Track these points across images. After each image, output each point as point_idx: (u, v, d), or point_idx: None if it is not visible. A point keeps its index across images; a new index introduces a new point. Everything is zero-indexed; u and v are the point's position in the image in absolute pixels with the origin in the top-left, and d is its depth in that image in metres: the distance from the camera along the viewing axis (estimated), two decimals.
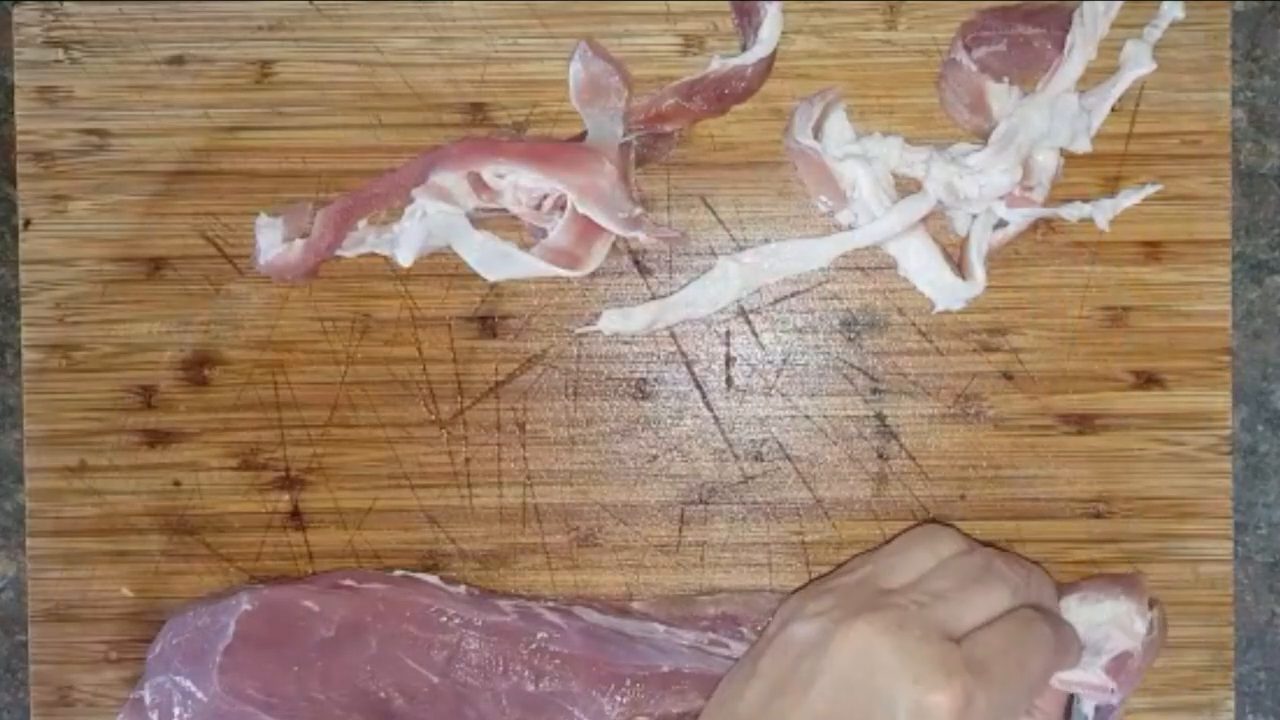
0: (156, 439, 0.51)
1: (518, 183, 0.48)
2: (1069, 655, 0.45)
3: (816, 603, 0.44)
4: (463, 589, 0.49)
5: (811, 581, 0.48)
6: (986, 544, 0.47)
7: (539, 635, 0.48)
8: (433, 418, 0.51)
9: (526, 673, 0.48)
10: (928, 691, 0.40)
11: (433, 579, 0.49)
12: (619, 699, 0.47)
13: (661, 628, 0.49)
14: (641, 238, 0.49)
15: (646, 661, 0.48)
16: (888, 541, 0.48)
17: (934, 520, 0.50)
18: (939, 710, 0.40)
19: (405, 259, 0.49)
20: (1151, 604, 0.47)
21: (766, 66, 0.49)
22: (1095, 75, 0.49)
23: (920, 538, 0.46)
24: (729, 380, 0.51)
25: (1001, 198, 0.48)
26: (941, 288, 0.49)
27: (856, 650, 0.41)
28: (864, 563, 0.46)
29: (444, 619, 0.48)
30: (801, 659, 0.42)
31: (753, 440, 0.51)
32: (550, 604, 0.50)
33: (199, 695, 0.47)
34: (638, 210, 0.48)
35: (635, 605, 0.50)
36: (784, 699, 0.42)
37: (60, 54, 0.50)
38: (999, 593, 0.44)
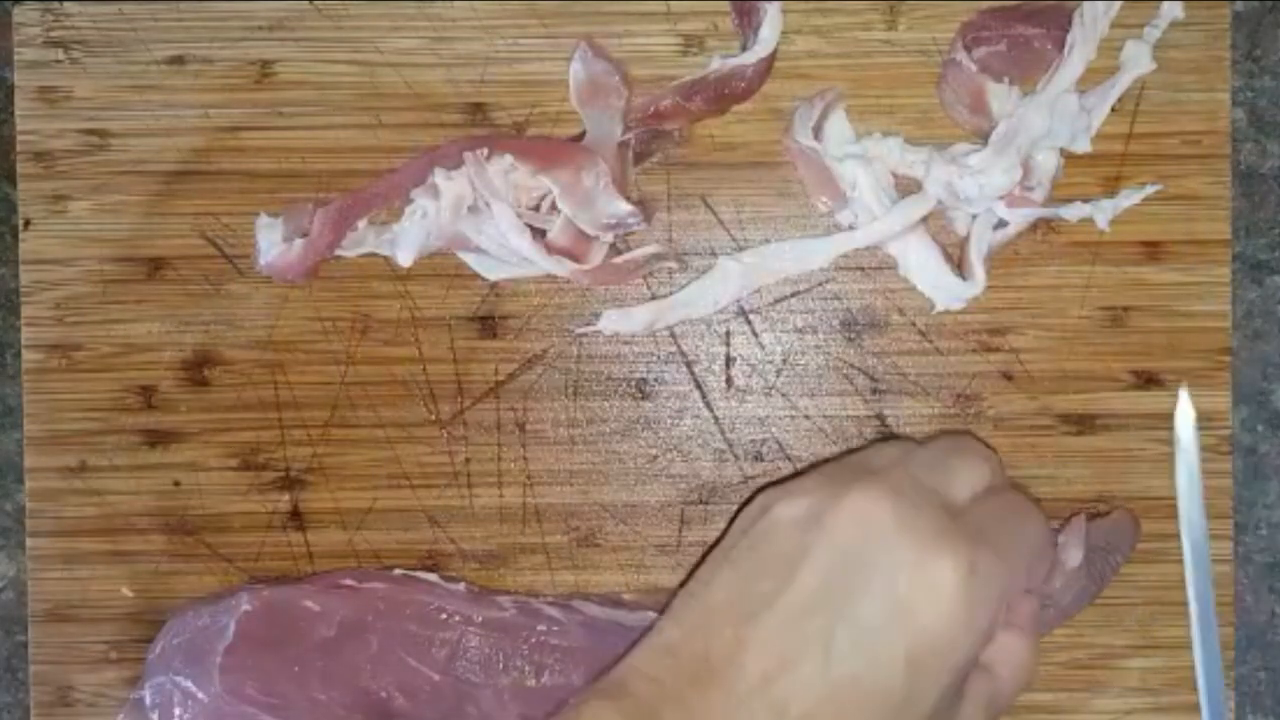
0: (156, 439, 0.51)
1: (518, 182, 0.48)
2: (1051, 544, 0.45)
3: (799, 485, 0.42)
4: (462, 586, 0.49)
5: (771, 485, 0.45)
6: None
7: (539, 629, 0.48)
8: (433, 418, 0.51)
9: (527, 668, 0.48)
10: (932, 557, 0.39)
11: (432, 577, 0.49)
12: None
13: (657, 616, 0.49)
14: (615, 238, 0.49)
15: None
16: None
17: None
18: (943, 575, 0.38)
19: (405, 259, 0.49)
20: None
21: (766, 66, 0.49)
22: (1095, 75, 0.49)
23: (884, 441, 0.45)
24: (729, 380, 0.51)
25: (1001, 198, 0.48)
26: (941, 288, 0.49)
27: (852, 519, 0.39)
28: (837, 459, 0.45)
29: (444, 616, 0.48)
30: (788, 539, 0.40)
31: (753, 440, 0.51)
32: (549, 598, 0.50)
33: (199, 695, 0.47)
34: (629, 210, 0.48)
35: (626, 596, 0.50)
36: (764, 581, 0.40)
37: (60, 54, 0.50)
38: (980, 465, 0.43)
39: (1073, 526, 0.47)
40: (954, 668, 0.39)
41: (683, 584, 0.43)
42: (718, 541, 0.44)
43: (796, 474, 0.47)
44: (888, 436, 0.50)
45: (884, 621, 0.38)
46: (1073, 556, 0.46)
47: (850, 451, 0.49)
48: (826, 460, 0.49)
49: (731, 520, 0.44)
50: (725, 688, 0.38)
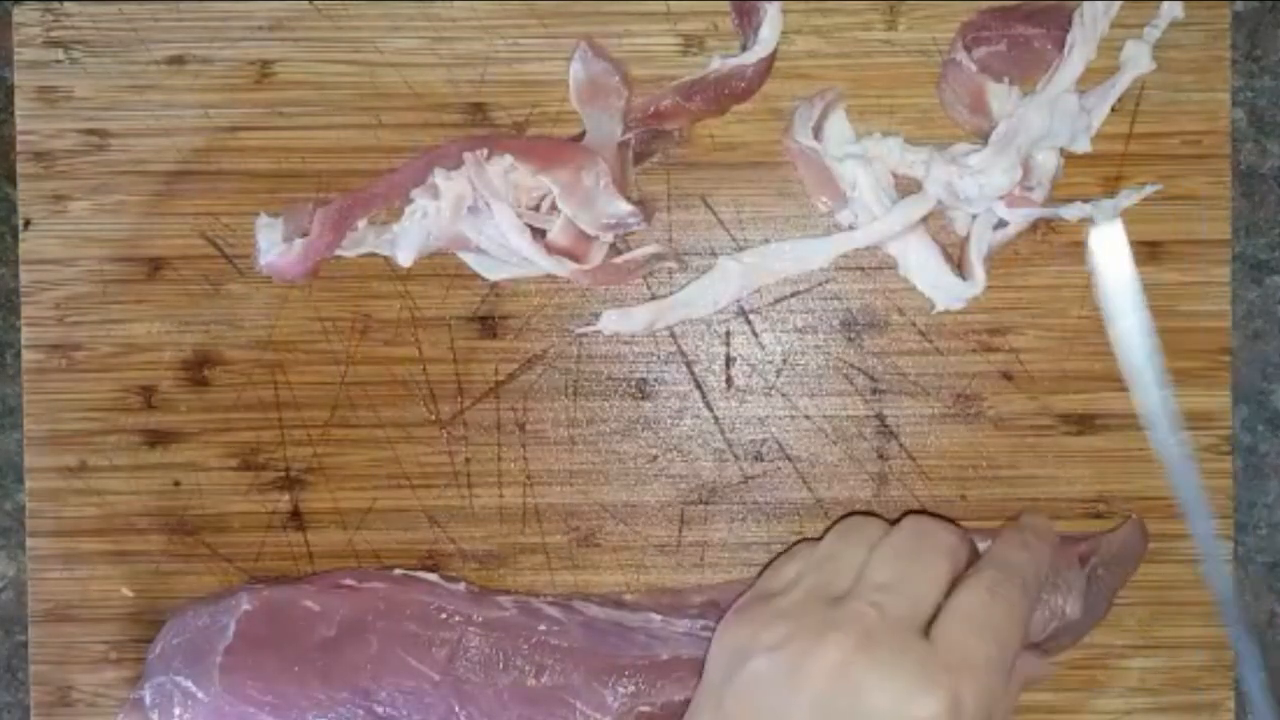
0: (156, 439, 0.51)
1: (518, 182, 0.48)
2: (1032, 599, 0.44)
3: (770, 632, 0.42)
4: (462, 586, 0.49)
5: (740, 600, 0.46)
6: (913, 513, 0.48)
7: (539, 629, 0.48)
8: (433, 418, 0.51)
9: (528, 667, 0.48)
10: (916, 703, 0.39)
11: (432, 577, 0.49)
12: (620, 689, 0.47)
13: (658, 617, 0.49)
14: (615, 238, 0.49)
15: (646, 651, 0.48)
16: (806, 540, 0.47)
17: (855, 513, 0.50)
18: (929, 715, 0.39)
19: (405, 259, 0.49)
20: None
21: (766, 66, 0.49)
22: (1095, 75, 0.49)
23: (846, 534, 0.45)
24: (729, 380, 0.51)
25: (1001, 198, 0.48)
26: (941, 288, 0.49)
27: (831, 675, 0.40)
28: (800, 572, 0.45)
29: (444, 616, 0.48)
30: (770, 695, 0.41)
31: (753, 440, 0.51)
32: (549, 598, 0.50)
33: (199, 695, 0.47)
34: (629, 210, 0.48)
35: (627, 597, 0.50)
36: None
37: (60, 54, 0.50)
38: (939, 563, 0.43)
39: (1070, 581, 0.47)
40: None
41: None
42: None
43: (753, 589, 0.46)
44: (835, 523, 0.48)
45: None
46: (1072, 609, 0.46)
47: (805, 540, 0.48)
48: (778, 556, 0.48)
49: (704, 657, 0.44)
50: None
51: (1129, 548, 0.49)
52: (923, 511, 0.48)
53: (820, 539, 0.46)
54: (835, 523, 0.47)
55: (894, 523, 0.45)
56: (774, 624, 0.42)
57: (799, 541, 0.48)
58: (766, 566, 0.48)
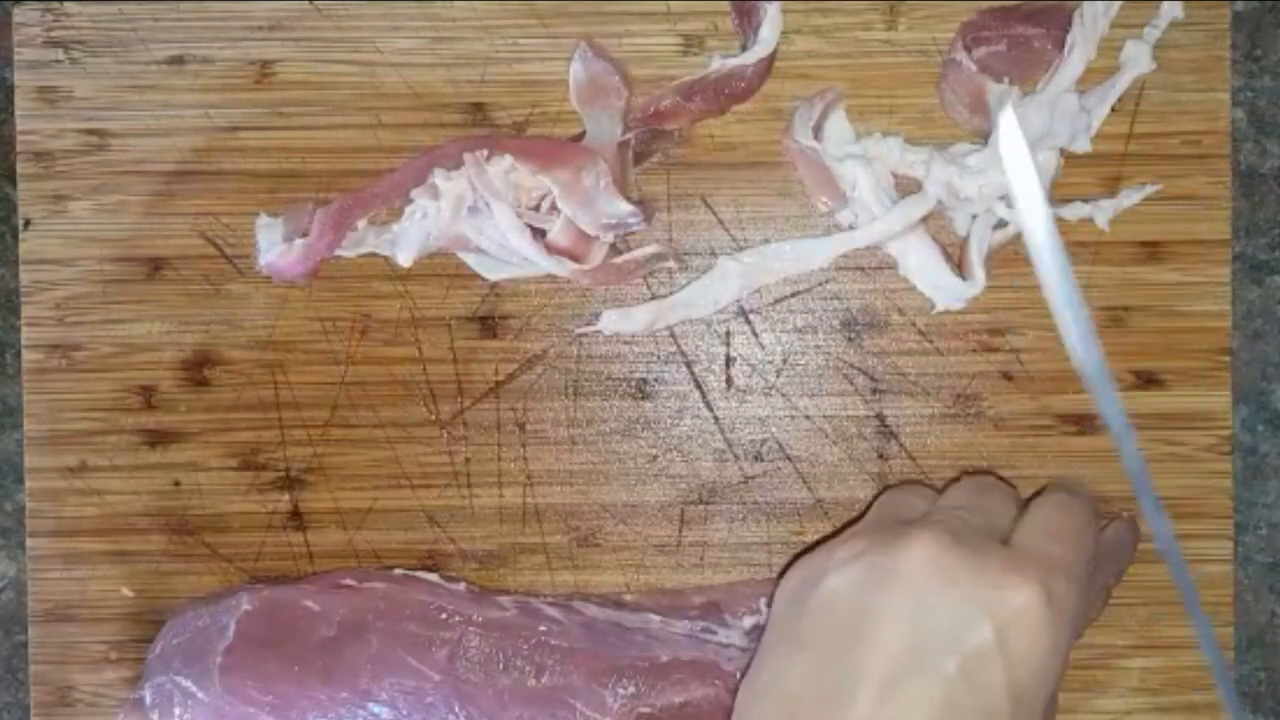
0: (156, 439, 0.51)
1: (518, 183, 0.48)
2: (1096, 530, 0.44)
3: (846, 549, 0.41)
4: (462, 586, 0.49)
5: (801, 557, 0.44)
6: None
7: (539, 629, 0.48)
8: (433, 418, 0.51)
9: (528, 668, 0.48)
10: (1009, 593, 0.38)
11: (432, 577, 0.49)
12: (620, 691, 0.47)
13: (657, 618, 0.49)
14: (615, 238, 0.49)
15: (646, 652, 0.48)
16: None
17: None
18: (1025, 607, 0.38)
19: (405, 259, 0.49)
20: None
21: (766, 66, 0.49)
22: (1095, 75, 0.49)
23: (900, 491, 0.45)
24: (729, 380, 0.51)
25: (1001, 198, 0.48)
26: (941, 288, 0.49)
27: (920, 566, 0.38)
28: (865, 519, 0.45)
29: (444, 616, 0.48)
30: (853, 605, 0.39)
31: (753, 440, 0.51)
32: (549, 599, 0.50)
33: (199, 695, 0.47)
34: (629, 210, 0.48)
35: (628, 597, 0.50)
36: (843, 657, 0.38)
37: (60, 54, 0.50)
38: (1007, 497, 0.44)
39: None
40: (1051, 689, 0.39)
41: (740, 685, 0.42)
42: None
43: (820, 543, 0.45)
44: (886, 488, 0.50)
45: (978, 667, 0.38)
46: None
47: (864, 510, 0.48)
48: (844, 526, 0.49)
49: (769, 603, 0.44)
50: None
51: (1119, 547, 0.49)
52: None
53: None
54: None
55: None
56: (845, 544, 0.41)
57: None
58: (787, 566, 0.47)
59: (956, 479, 0.46)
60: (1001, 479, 0.47)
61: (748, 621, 0.49)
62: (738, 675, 0.46)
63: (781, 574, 0.44)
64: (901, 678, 0.38)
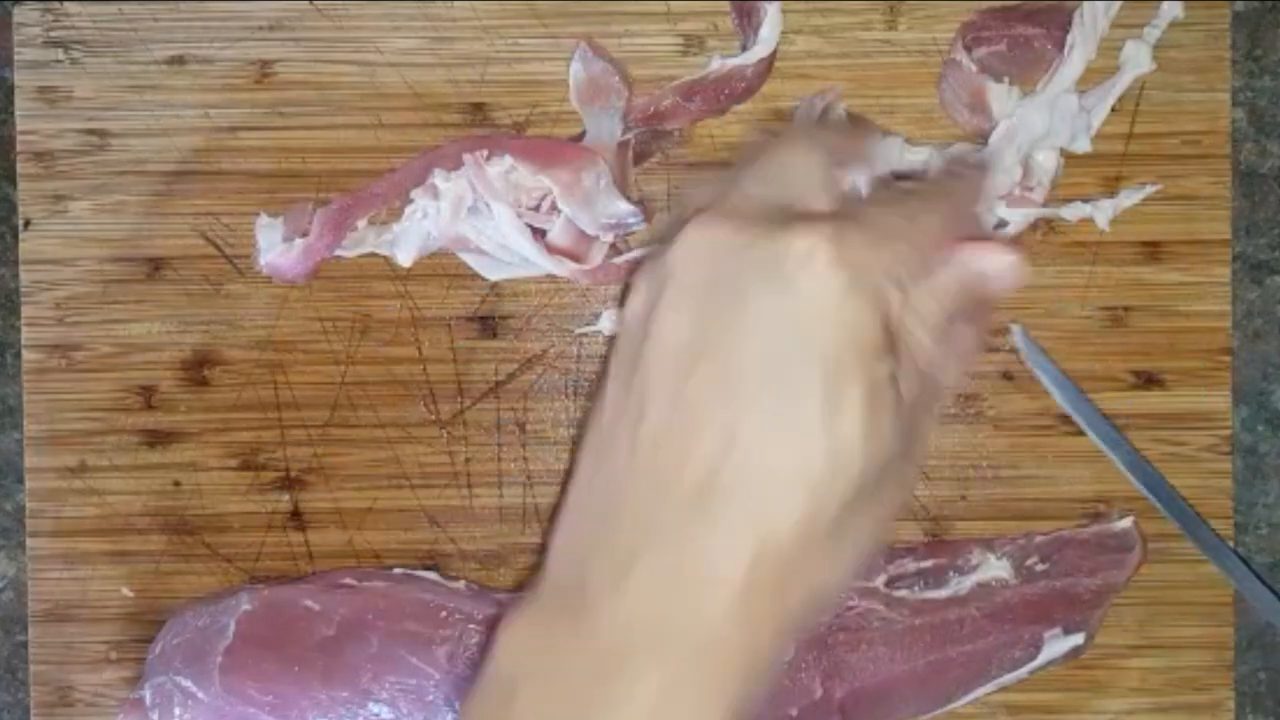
0: (156, 439, 0.51)
1: (518, 183, 0.48)
2: (971, 197, 0.37)
3: (639, 275, 0.34)
4: (462, 584, 0.49)
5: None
6: None
7: None
8: (433, 418, 0.51)
9: None
10: (786, 245, 0.31)
11: (433, 575, 0.49)
12: None
13: None
14: (615, 238, 0.49)
15: None
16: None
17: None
18: (807, 252, 0.31)
19: (405, 259, 0.49)
20: None
21: (766, 66, 0.49)
22: (1095, 75, 0.49)
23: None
24: None
25: (1001, 198, 0.48)
26: None
27: (689, 253, 0.32)
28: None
29: (444, 614, 0.48)
30: (643, 321, 0.33)
31: None
32: None
33: (199, 695, 0.47)
34: (629, 210, 0.48)
35: None
36: (636, 373, 0.33)
37: (60, 54, 0.50)
38: (817, 157, 0.35)
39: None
40: (867, 355, 0.31)
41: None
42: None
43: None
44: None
45: (765, 330, 0.31)
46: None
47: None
48: None
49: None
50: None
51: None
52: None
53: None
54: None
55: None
56: (643, 269, 0.34)
57: None
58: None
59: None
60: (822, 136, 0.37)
61: None
62: None
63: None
64: (689, 369, 0.32)
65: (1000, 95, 0.48)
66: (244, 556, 0.51)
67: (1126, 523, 0.49)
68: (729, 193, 0.34)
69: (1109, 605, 0.50)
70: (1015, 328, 0.49)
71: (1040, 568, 0.49)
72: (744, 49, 0.49)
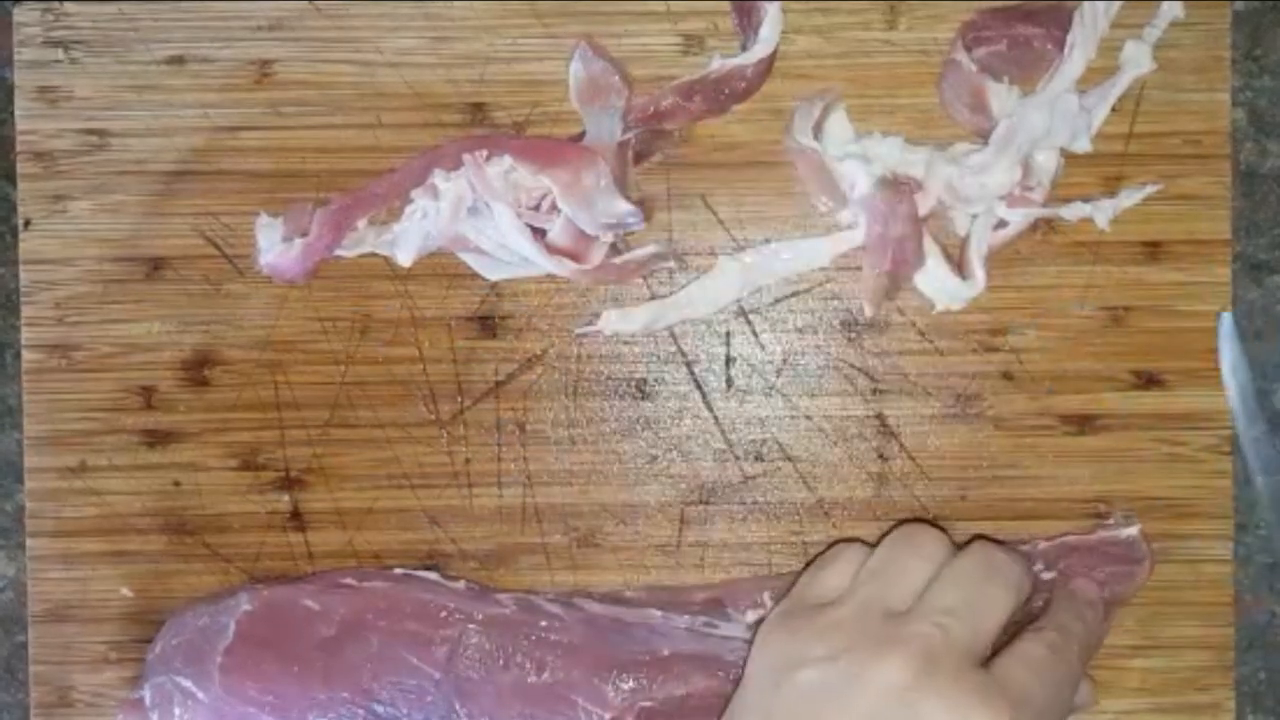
0: (156, 439, 0.51)
1: (518, 183, 0.48)
2: (1079, 674, 0.45)
3: (823, 644, 0.42)
4: (462, 584, 0.49)
5: (781, 605, 0.46)
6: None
7: (539, 626, 0.48)
8: (433, 418, 0.51)
9: (528, 664, 0.48)
10: None
11: (433, 575, 0.49)
12: (621, 685, 0.47)
13: (658, 613, 0.49)
14: (615, 238, 0.49)
15: (647, 646, 0.48)
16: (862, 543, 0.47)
17: (908, 521, 0.49)
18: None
19: (405, 259, 0.49)
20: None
21: (766, 66, 0.49)
22: (1095, 75, 0.49)
23: (905, 544, 0.44)
24: (729, 380, 0.51)
25: (1001, 198, 0.48)
26: (941, 288, 0.49)
27: (889, 695, 0.39)
28: (851, 581, 0.44)
29: (444, 614, 0.48)
30: (821, 706, 0.40)
31: (753, 440, 0.51)
32: (549, 595, 0.50)
33: (199, 695, 0.47)
34: (629, 210, 0.48)
35: (628, 593, 0.50)
36: None
37: (60, 54, 0.50)
38: (1005, 595, 0.43)
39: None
40: None
41: None
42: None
43: (794, 590, 0.46)
44: (905, 522, 0.49)
45: None
46: (1082, 698, 0.47)
47: (845, 542, 0.48)
48: (821, 555, 0.48)
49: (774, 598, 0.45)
50: None
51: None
52: (987, 538, 0.48)
53: (867, 544, 0.46)
54: (889, 530, 0.47)
55: (958, 544, 0.45)
56: (828, 635, 0.42)
57: (837, 543, 0.48)
58: (806, 567, 0.48)
59: (965, 544, 0.45)
60: (1013, 553, 0.45)
61: (750, 616, 0.49)
62: (741, 665, 0.46)
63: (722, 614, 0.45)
64: None
65: (1000, 95, 0.48)
66: (244, 557, 0.51)
67: (1133, 531, 0.49)
68: (926, 625, 0.41)
69: (1115, 616, 0.49)
70: (1224, 316, 0.49)
71: (1046, 575, 0.49)
72: (744, 49, 0.49)
